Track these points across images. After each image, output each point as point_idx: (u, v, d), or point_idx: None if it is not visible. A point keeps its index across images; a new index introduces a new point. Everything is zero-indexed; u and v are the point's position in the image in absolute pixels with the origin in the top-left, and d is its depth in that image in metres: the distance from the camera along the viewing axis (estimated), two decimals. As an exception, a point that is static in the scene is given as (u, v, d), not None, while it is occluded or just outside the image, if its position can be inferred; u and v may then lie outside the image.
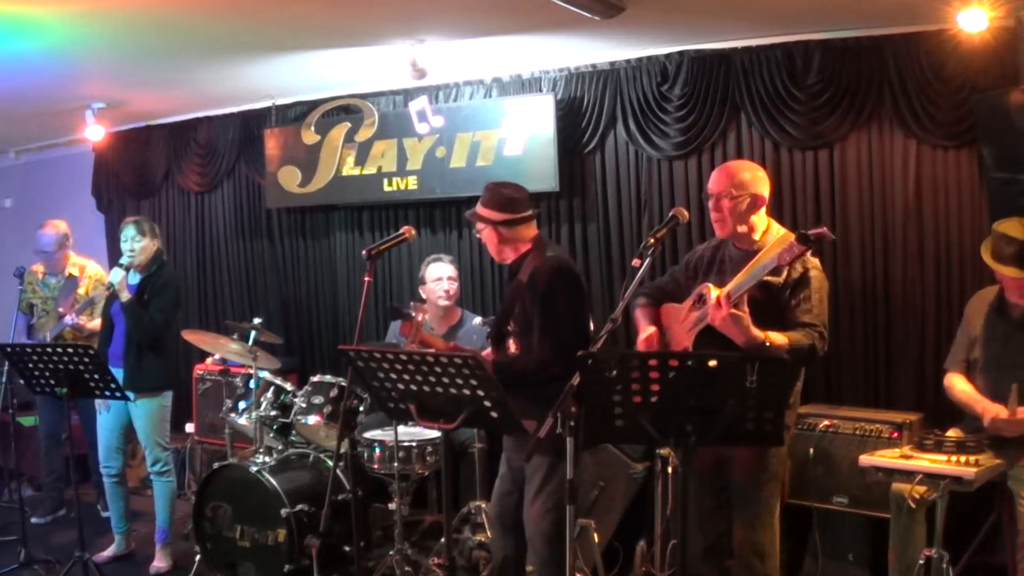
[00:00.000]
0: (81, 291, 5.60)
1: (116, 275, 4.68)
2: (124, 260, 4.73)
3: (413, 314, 3.59)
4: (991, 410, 3.60)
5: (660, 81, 5.06)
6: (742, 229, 3.29)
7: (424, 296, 5.13)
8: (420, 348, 3.50)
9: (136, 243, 4.76)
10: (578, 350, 2.65)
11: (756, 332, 2.98)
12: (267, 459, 4.57)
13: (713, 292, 3.12)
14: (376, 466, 4.61)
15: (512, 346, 3.48)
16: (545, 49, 5.09)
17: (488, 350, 3.66)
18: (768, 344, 2.97)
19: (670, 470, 4.25)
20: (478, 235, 3.63)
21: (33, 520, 5.50)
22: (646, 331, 3.42)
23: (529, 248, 3.51)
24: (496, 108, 5.51)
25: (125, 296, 4.67)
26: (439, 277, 5.03)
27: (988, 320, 3.78)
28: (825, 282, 3.23)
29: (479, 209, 3.54)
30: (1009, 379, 3.62)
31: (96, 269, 5.75)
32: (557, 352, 3.26)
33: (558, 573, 3.25)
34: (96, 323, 5.43)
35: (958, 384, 3.84)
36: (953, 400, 3.86)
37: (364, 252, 3.42)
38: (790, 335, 3.06)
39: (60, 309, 5.54)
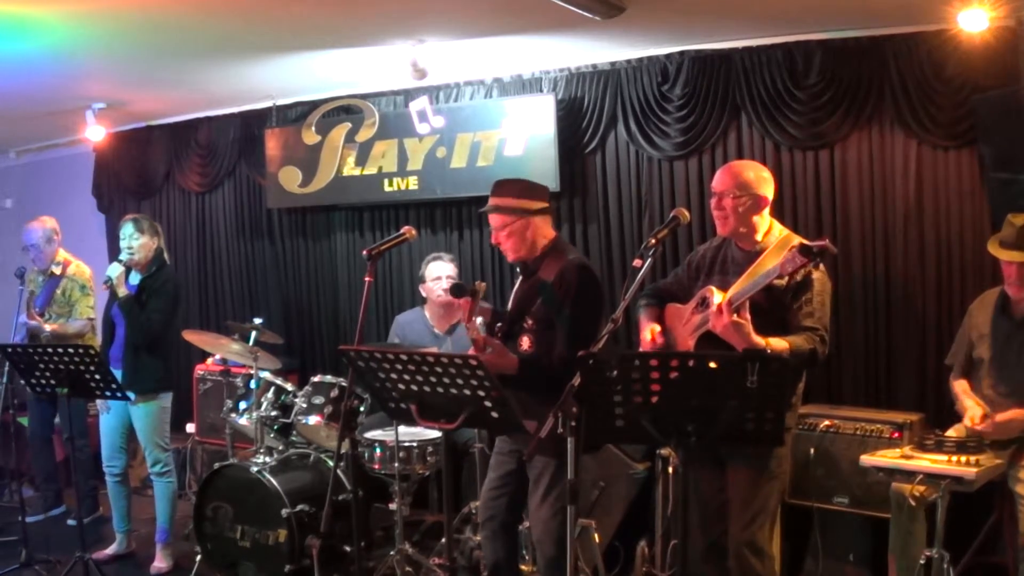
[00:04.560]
0: (58, 291, 5.50)
1: (114, 269, 4.63)
2: (123, 256, 4.71)
3: (478, 291, 3.51)
4: (969, 414, 3.71)
5: (660, 81, 5.06)
6: (743, 229, 3.28)
7: (424, 295, 5.14)
8: (472, 326, 3.40)
9: (135, 240, 4.74)
10: None
11: (757, 339, 2.97)
12: (268, 459, 4.58)
13: (716, 296, 3.11)
14: (377, 466, 4.60)
15: (525, 343, 3.44)
16: (545, 49, 5.09)
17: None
18: (769, 351, 2.97)
19: (671, 470, 4.25)
20: (500, 230, 3.47)
21: (28, 519, 5.48)
22: (649, 328, 3.40)
23: (547, 248, 3.49)
24: (496, 108, 5.51)
25: (122, 292, 4.63)
26: (439, 276, 5.02)
27: (993, 320, 3.81)
28: (827, 284, 3.22)
29: (510, 201, 3.42)
30: (1012, 378, 3.67)
31: (77, 268, 5.59)
32: (577, 353, 3.23)
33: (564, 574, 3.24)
34: (58, 324, 5.41)
35: (956, 385, 3.92)
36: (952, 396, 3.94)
37: (365, 252, 3.41)
38: (791, 340, 3.05)
39: (23, 316, 5.40)
